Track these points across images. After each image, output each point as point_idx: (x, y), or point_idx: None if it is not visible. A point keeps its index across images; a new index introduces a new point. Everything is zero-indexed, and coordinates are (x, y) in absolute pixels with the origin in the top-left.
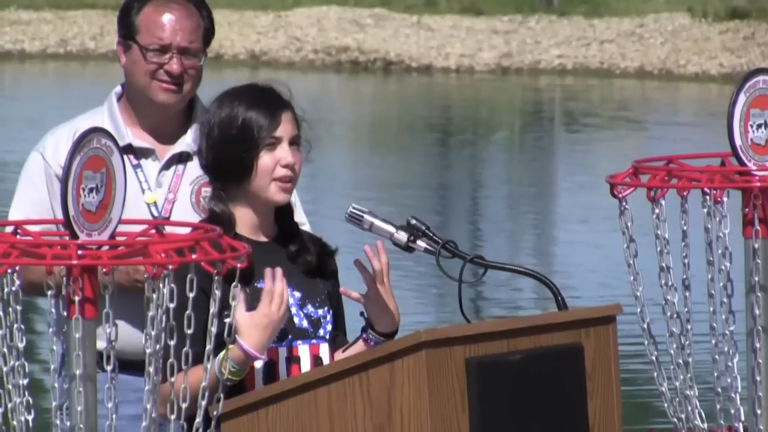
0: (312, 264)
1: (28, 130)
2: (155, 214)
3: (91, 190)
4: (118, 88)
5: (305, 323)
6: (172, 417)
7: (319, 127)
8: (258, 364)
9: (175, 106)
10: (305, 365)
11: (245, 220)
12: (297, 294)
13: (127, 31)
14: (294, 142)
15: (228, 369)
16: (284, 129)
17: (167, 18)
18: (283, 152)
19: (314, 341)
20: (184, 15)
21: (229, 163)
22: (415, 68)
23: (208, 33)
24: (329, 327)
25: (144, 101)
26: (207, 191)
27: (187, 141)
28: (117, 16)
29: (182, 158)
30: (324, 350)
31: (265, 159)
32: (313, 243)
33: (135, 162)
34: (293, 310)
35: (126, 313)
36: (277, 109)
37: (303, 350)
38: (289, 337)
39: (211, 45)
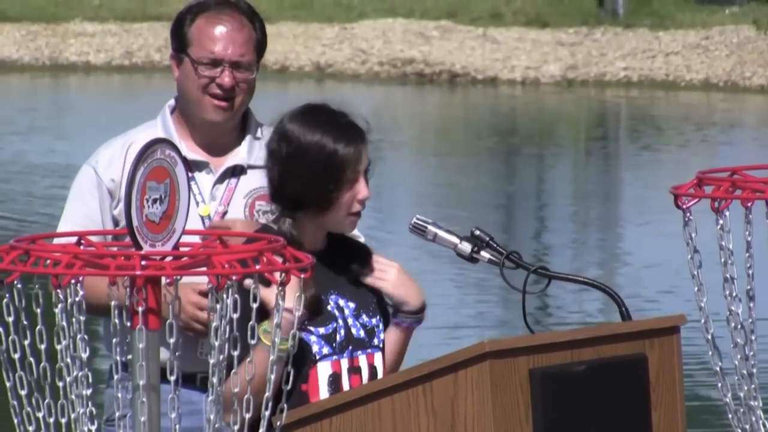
0: (357, 271)
1: (94, 142)
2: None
3: (154, 200)
4: (172, 102)
5: (362, 333)
6: (236, 428)
7: (384, 140)
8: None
9: (226, 123)
10: (365, 375)
11: (303, 236)
12: (351, 304)
13: (180, 44)
14: (367, 170)
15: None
16: (363, 164)
17: (219, 31)
18: (361, 187)
19: (370, 351)
20: (236, 27)
21: (309, 200)
22: (481, 80)
23: (261, 45)
24: (382, 335)
25: (195, 115)
26: (261, 204)
27: (242, 155)
28: (170, 29)
29: (236, 171)
30: (378, 359)
31: (345, 196)
32: (358, 250)
33: (189, 175)
34: (350, 321)
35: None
36: (359, 144)
37: (362, 360)
38: (350, 348)
39: (265, 56)
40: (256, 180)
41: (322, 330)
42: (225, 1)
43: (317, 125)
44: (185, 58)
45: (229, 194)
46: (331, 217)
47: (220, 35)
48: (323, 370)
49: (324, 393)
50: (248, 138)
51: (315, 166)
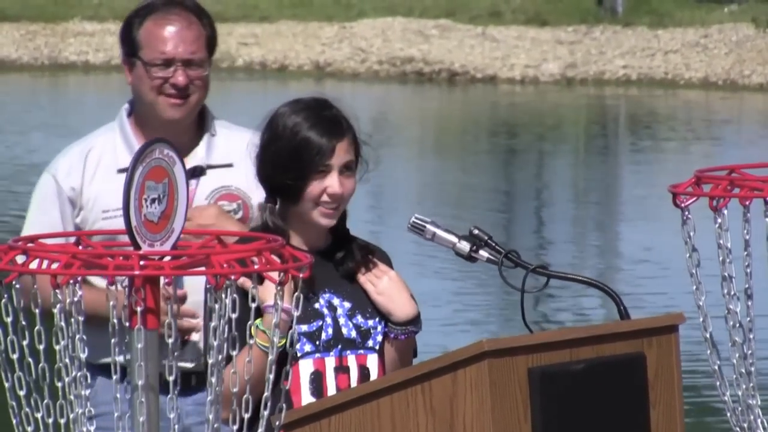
0: (354, 273)
1: None
2: None
3: (153, 200)
4: (127, 105)
5: (354, 333)
6: (235, 428)
7: (383, 138)
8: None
9: (184, 119)
10: (353, 375)
11: (297, 231)
12: (347, 304)
13: (130, 48)
14: (347, 167)
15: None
16: (337, 158)
17: (168, 31)
18: (331, 181)
19: (362, 351)
20: (185, 26)
21: (279, 185)
22: (480, 79)
23: (211, 41)
24: (379, 338)
25: (153, 117)
26: (223, 204)
27: (200, 155)
28: (119, 34)
29: (195, 173)
30: (372, 361)
31: (313, 187)
32: (360, 250)
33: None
34: (341, 320)
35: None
36: (334, 137)
37: (351, 360)
38: (339, 347)
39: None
40: (217, 179)
41: (304, 327)
42: (171, 1)
43: (298, 113)
44: (137, 61)
45: (191, 196)
46: (301, 208)
47: (169, 35)
48: (304, 368)
49: (305, 390)
50: (206, 137)
51: (284, 150)
